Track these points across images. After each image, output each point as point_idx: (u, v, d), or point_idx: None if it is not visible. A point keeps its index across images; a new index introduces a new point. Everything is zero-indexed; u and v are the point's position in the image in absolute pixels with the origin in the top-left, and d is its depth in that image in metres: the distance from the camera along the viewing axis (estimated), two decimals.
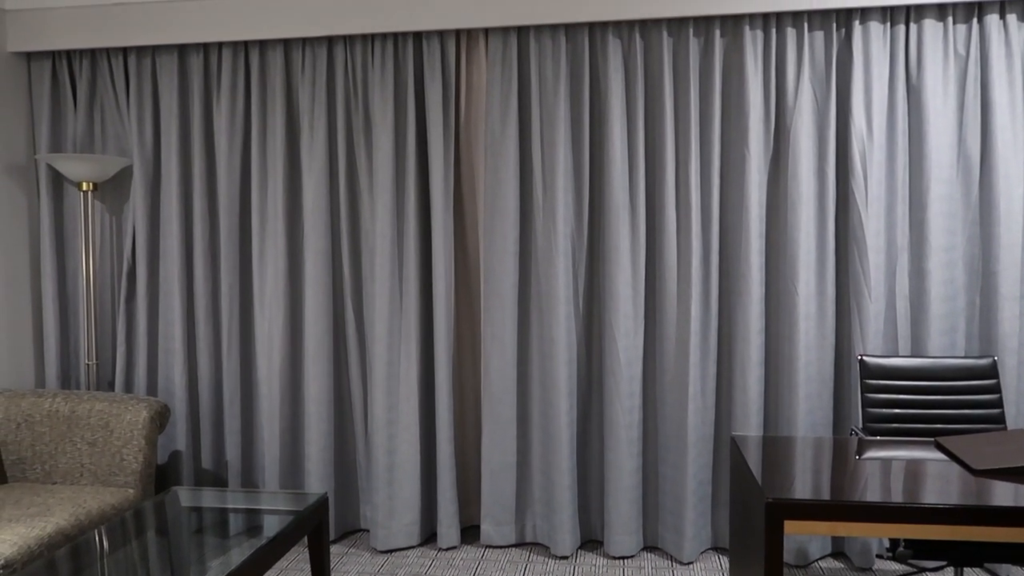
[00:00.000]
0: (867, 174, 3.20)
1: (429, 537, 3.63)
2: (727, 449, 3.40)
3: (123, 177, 3.71)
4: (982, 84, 3.19)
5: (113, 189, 3.73)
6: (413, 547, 3.53)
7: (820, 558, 3.38)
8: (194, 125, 3.57)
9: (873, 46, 3.18)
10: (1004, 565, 3.14)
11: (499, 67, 3.37)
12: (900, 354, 3.19)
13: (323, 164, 3.47)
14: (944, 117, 3.18)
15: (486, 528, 3.51)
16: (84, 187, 3.53)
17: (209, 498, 2.65)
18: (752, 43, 3.24)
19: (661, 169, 3.32)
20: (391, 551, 3.50)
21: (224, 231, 3.57)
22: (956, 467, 2.18)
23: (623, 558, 3.41)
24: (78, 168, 3.42)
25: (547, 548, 3.52)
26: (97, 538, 2.28)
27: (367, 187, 3.51)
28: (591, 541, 3.58)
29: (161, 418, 3.22)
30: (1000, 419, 2.74)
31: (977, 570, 3.23)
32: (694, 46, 3.28)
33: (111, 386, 3.76)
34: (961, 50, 3.18)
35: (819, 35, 3.25)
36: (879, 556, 3.37)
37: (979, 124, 3.20)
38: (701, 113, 3.31)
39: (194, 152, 3.58)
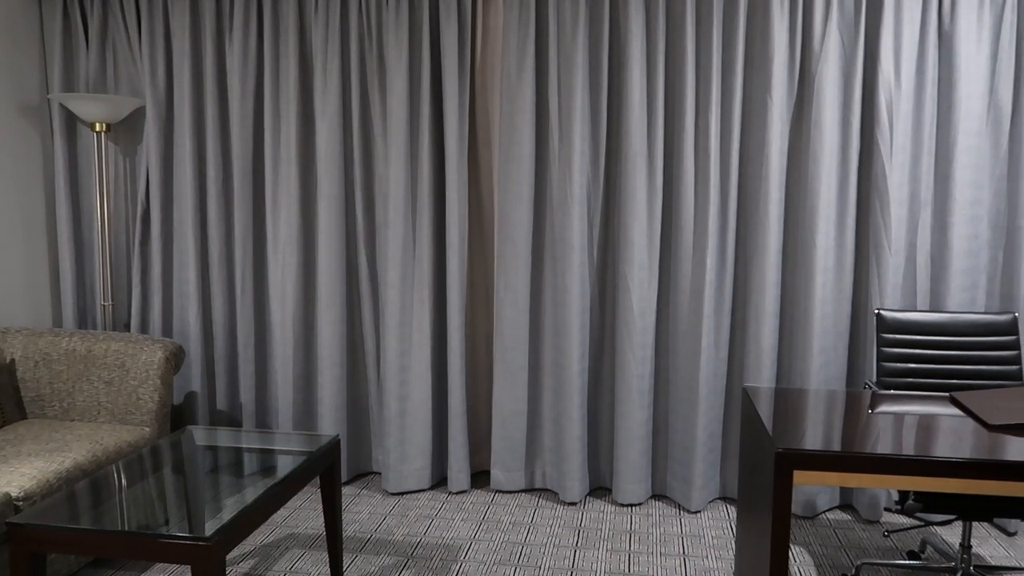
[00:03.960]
0: (893, 124, 3.11)
1: (440, 481, 3.67)
2: (738, 401, 3.40)
3: (136, 118, 3.69)
4: (1018, 31, 3.07)
5: (126, 130, 3.71)
6: (424, 490, 3.58)
7: (828, 510, 3.39)
8: (207, 66, 3.53)
9: None
10: (1013, 521, 3.14)
11: (516, 9, 3.28)
12: (918, 309, 3.15)
13: (336, 108, 3.43)
14: (976, 65, 3.07)
15: (496, 474, 3.54)
16: (97, 128, 3.51)
17: (223, 437, 2.68)
18: None
19: (680, 116, 3.25)
20: (402, 493, 3.55)
21: (237, 175, 3.55)
22: (970, 422, 2.16)
23: (631, 505, 3.44)
24: (91, 108, 3.40)
25: (556, 494, 3.55)
26: (114, 473, 2.32)
27: (381, 132, 3.47)
28: (600, 488, 3.62)
29: (176, 359, 3.25)
30: (1018, 375, 2.70)
31: (986, 524, 3.24)
32: None
33: (127, 327, 3.80)
34: None
35: None
36: (887, 509, 3.38)
37: (1012, 74, 3.09)
38: (723, 58, 3.22)
39: (207, 94, 3.54)
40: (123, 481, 2.27)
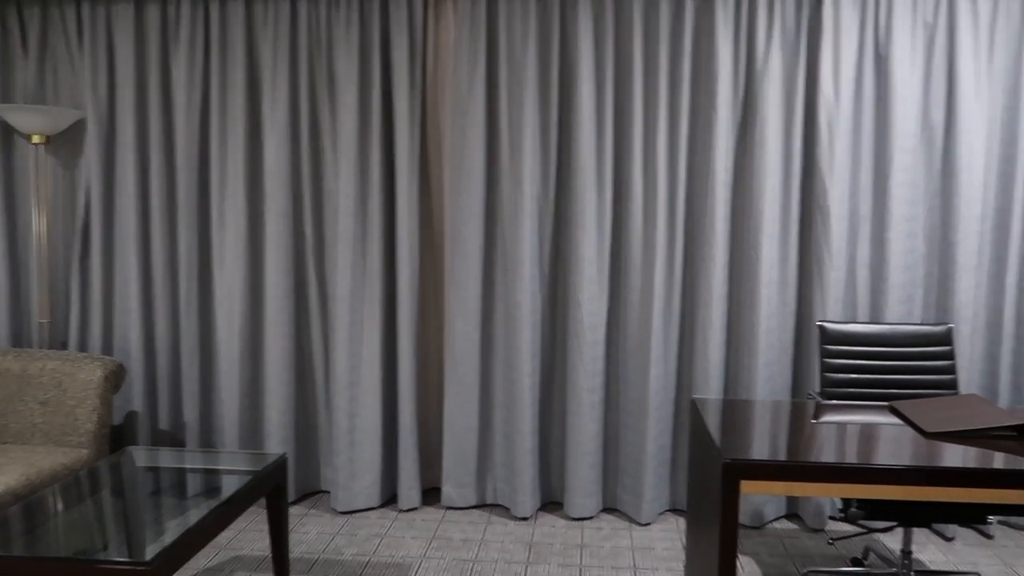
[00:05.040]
0: (833, 142, 3.21)
1: (390, 499, 3.63)
2: (687, 414, 3.44)
3: (76, 131, 3.59)
4: (949, 54, 3.20)
5: (66, 142, 3.60)
6: (374, 508, 3.53)
7: (775, 519, 3.45)
8: (151, 79, 3.46)
9: (843, 12, 3.17)
10: (951, 526, 3.24)
11: (468, 25, 3.30)
12: (859, 320, 3.24)
13: (285, 122, 3.39)
14: (910, 86, 3.19)
15: (447, 490, 3.51)
16: (35, 140, 3.41)
17: (165, 458, 2.60)
18: (723, 5, 3.20)
19: (629, 132, 3.30)
20: (352, 512, 3.49)
21: (182, 189, 3.48)
22: (909, 430, 2.22)
23: (582, 519, 3.44)
24: (29, 120, 3.30)
25: (507, 509, 3.54)
26: (49, 497, 2.23)
27: (331, 146, 3.44)
28: (551, 503, 3.61)
29: (116, 377, 3.15)
30: (953, 385, 2.80)
31: (925, 530, 3.33)
32: (665, 7, 3.24)
33: (64, 345, 3.67)
34: (929, 19, 3.18)
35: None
36: (831, 517, 3.45)
37: (944, 94, 3.22)
38: (671, 76, 3.29)
39: (151, 106, 3.47)
40: (59, 506, 2.19)
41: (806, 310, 3.35)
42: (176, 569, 1.96)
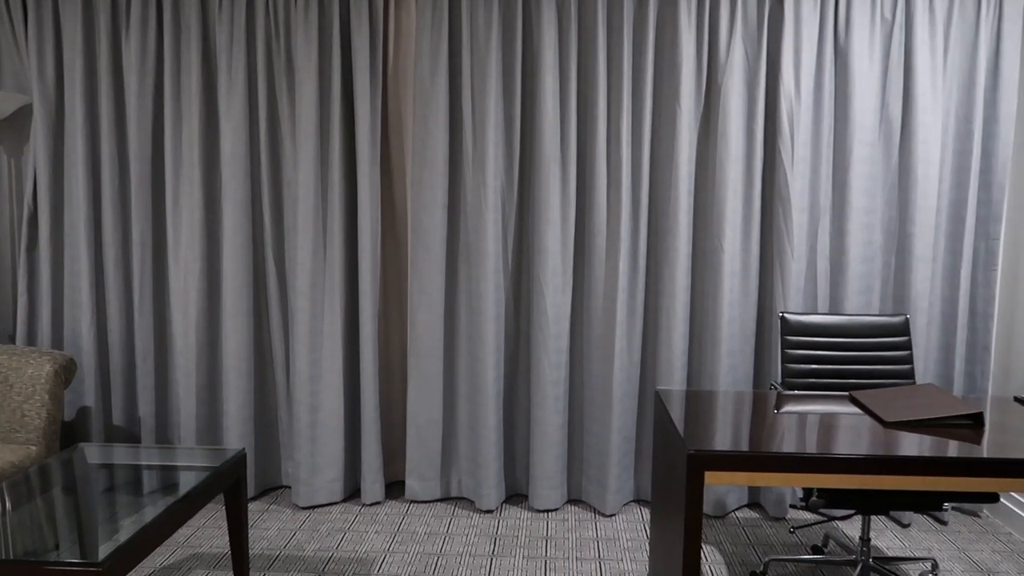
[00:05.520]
0: (794, 134, 3.23)
1: (353, 493, 3.58)
2: (651, 404, 3.45)
3: (22, 116, 3.46)
4: (906, 49, 3.25)
5: (10, 128, 3.47)
6: (336, 503, 3.48)
7: (737, 508, 3.49)
8: (101, 62, 3.34)
9: (804, 6, 3.20)
10: (907, 513, 3.31)
11: (429, 13, 3.25)
12: (819, 311, 3.28)
13: (242, 109, 3.30)
14: (869, 80, 3.23)
15: (411, 484, 3.48)
16: None
17: (119, 454, 2.53)
18: None
19: (593, 123, 3.28)
20: (313, 507, 3.44)
21: (135, 177, 3.37)
22: (868, 419, 2.25)
23: (547, 511, 3.44)
24: None
25: (472, 503, 3.52)
26: None
27: (289, 134, 3.36)
28: (516, 495, 3.60)
29: (66, 372, 3.05)
30: (910, 374, 2.85)
31: (883, 517, 3.39)
32: None
33: (11, 339, 3.55)
34: (888, 15, 3.22)
35: None
36: (792, 506, 3.50)
37: (901, 89, 3.26)
38: (634, 67, 3.28)
39: (101, 91, 3.35)
40: (6, 505, 2.10)
41: (767, 301, 3.38)
42: (130, 569, 1.90)
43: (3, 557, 1.78)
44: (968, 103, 3.27)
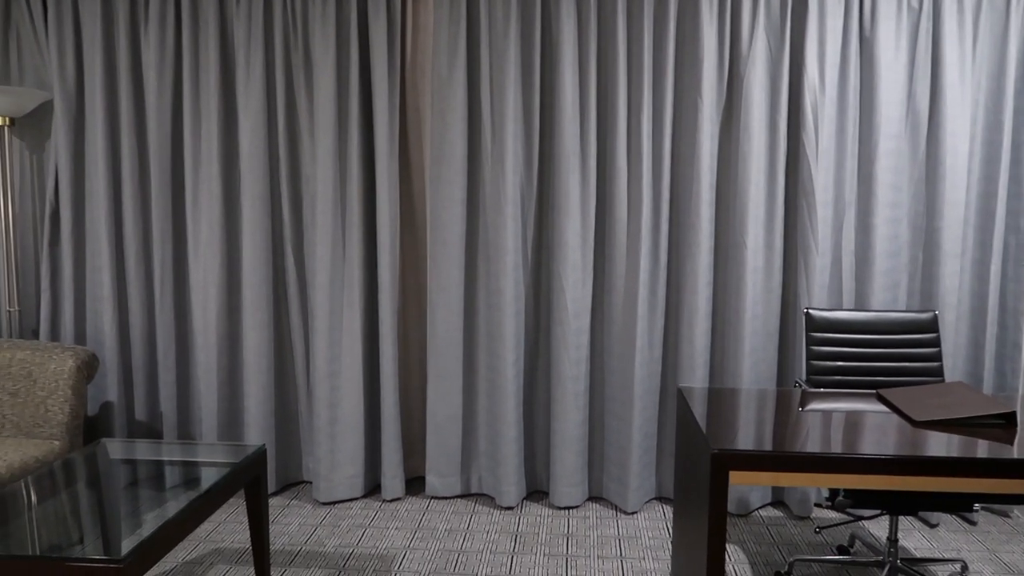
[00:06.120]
0: (818, 127, 3.18)
1: (373, 489, 3.58)
2: (673, 401, 3.42)
3: (43, 112, 3.47)
4: (933, 39, 3.18)
5: (32, 125, 3.49)
6: (356, 499, 3.48)
7: (760, 507, 3.44)
8: (120, 58, 3.34)
9: None
10: (936, 513, 3.25)
11: (447, 6, 3.22)
12: (844, 308, 3.23)
13: (260, 104, 3.30)
14: (895, 72, 3.16)
15: (431, 480, 3.47)
16: (0, 122, 3.29)
17: (141, 450, 2.53)
18: None
19: (613, 117, 3.24)
20: (334, 503, 3.44)
21: (155, 173, 3.38)
22: (896, 418, 2.20)
23: (568, 508, 3.42)
24: None
25: (492, 499, 3.50)
26: (21, 491, 2.16)
27: (308, 129, 3.35)
28: (536, 492, 3.58)
29: (89, 368, 3.07)
30: (939, 372, 2.79)
31: (910, 518, 3.34)
32: None
33: (35, 334, 3.57)
34: (915, 4, 3.15)
35: None
36: (817, 504, 3.45)
37: (928, 80, 3.20)
38: (654, 59, 3.23)
39: (120, 87, 3.36)
40: (30, 500, 2.11)
41: (791, 297, 3.33)
42: (152, 565, 1.90)
43: (26, 553, 1.79)
44: (997, 94, 3.19)
